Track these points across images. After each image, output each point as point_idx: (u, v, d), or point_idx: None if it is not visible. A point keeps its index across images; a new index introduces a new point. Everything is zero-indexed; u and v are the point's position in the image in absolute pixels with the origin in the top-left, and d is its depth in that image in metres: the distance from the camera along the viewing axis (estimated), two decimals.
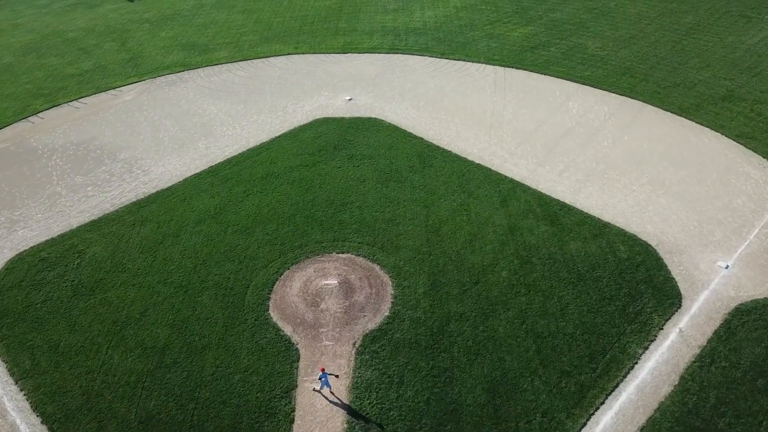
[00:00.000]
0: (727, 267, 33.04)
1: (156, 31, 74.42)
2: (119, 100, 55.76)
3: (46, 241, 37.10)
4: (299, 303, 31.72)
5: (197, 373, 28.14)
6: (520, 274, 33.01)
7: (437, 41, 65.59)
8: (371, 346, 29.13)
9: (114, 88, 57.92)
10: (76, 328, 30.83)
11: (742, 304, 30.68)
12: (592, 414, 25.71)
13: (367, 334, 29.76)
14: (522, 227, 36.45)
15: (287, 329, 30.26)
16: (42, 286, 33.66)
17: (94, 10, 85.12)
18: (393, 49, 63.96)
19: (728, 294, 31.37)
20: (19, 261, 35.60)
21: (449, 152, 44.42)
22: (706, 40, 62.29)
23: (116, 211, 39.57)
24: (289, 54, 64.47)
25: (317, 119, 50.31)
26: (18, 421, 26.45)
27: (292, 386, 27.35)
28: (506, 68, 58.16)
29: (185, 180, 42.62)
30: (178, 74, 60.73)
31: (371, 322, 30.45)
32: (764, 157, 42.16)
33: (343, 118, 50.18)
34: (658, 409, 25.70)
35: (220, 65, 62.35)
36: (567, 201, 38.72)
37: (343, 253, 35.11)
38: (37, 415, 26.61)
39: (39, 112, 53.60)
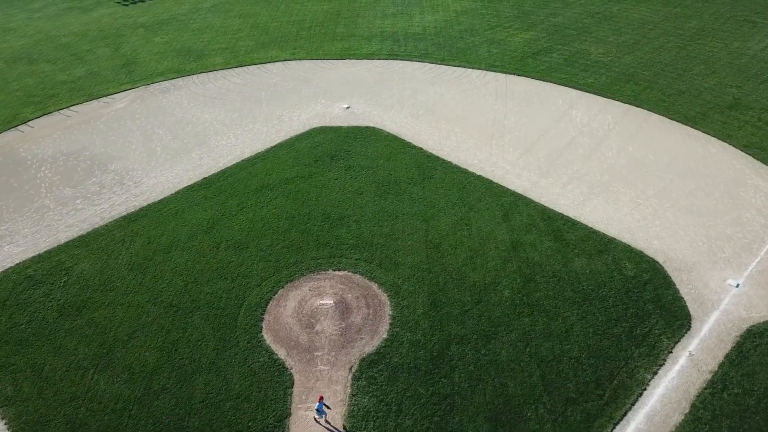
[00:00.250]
0: (737, 285, 31.86)
1: (150, 36, 73.18)
2: (111, 108, 54.53)
3: (33, 257, 35.85)
4: (294, 324, 30.50)
5: (186, 400, 26.91)
6: (523, 293, 31.82)
7: (437, 47, 64.40)
8: (368, 371, 27.91)
9: (106, 96, 56.67)
10: (61, 351, 29.59)
11: (754, 325, 29.50)
12: None
13: (364, 358, 28.54)
14: (525, 243, 35.26)
15: (281, 352, 29.04)
16: (27, 305, 32.41)
17: (88, 14, 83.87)
18: (392, 55, 62.78)
19: (739, 315, 30.20)
20: (4, 278, 34.35)
21: (449, 163, 43.23)
22: (712, 45, 61.14)
23: (106, 225, 38.34)
24: (285, 60, 63.27)
25: (314, 128, 49.10)
26: None
27: (286, 414, 26.14)
28: (507, 75, 56.98)
29: (178, 192, 41.39)
30: (173, 81, 59.50)
31: (368, 345, 29.23)
32: None
33: (340, 127, 48.98)
34: None
35: (215, 71, 61.13)
36: (571, 215, 37.55)
37: (339, 270, 33.90)
38: None
39: (29, 121, 52.35)
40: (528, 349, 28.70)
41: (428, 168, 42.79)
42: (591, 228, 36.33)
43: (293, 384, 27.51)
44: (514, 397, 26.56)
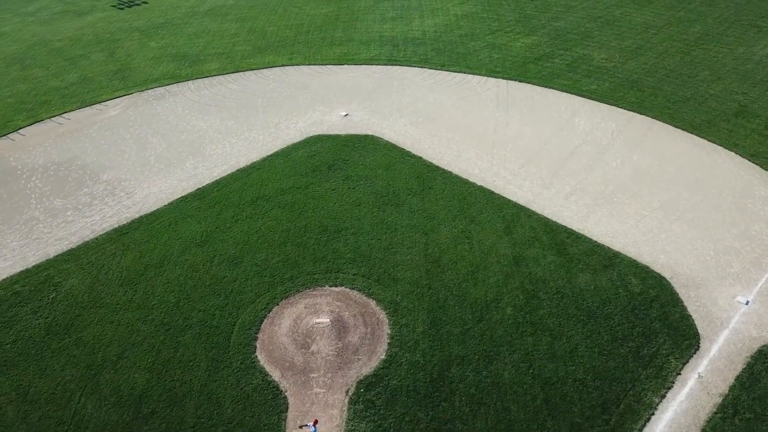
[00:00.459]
0: (747, 303, 30.84)
1: (146, 40, 72.10)
2: (104, 115, 53.45)
3: (21, 272, 34.79)
4: (288, 344, 29.45)
5: (177, 425, 25.87)
6: (526, 311, 30.79)
7: (437, 52, 63.36)
8: (366, 395, 26.87)
9: (99, 102, 55.54)
10: (47, 372, 28.54)
11: (765, 345, 28.49)
12: None
13: (361, 381, 27.51)
14: (527, 257, 34.23)
15: (275, 374, 28.00)
16: (13, 323, 31.35)
17: (83, 18, 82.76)
18: (391, 60, 61.72)
19: (750, 334, 29.18)
20: None
21: (449, 173, 42.19)
22: (716, 51, 60.11)
23: (96, 238, 37.28)
24: (283, 65, 62.20)
25: (311, 136, 48.04)
26: None
27: None
28: (509, 81, 55.93)
29: (171, 204, 40.32)
30: (167, 87, 58.41)
31: (366, 366, 28.20)
32: None
33: (338, 136, 47.93)
34: None
35: (210, 77, 60.03)
36: (575, 228, 36.52)
37: (336, 286, 32.87)
38: None
39: (20, 128, 51.26)
40: (531, 371, 27.67)
41: (428, 178, 41.76)
42: (595, 241, 35.30)
43: (287, 408, 26.47)
44: (517, 422, 25.54)
